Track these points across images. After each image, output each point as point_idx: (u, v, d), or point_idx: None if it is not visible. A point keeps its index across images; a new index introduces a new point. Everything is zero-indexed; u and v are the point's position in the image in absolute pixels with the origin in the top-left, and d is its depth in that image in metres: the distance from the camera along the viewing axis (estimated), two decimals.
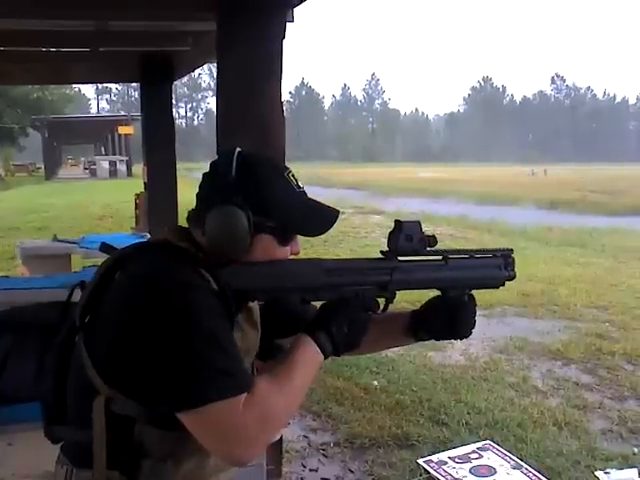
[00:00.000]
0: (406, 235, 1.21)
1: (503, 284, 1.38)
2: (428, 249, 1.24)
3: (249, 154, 1.13)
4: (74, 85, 39.50)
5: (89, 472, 1.05)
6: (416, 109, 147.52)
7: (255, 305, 1.23)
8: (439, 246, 1.26)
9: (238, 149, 1.13)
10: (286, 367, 1.08)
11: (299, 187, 1.16)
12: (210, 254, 1.09)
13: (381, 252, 1.25)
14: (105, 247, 1.26)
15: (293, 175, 1.16)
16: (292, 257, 1.19)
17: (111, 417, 1.02)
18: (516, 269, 1.38)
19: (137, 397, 1.01)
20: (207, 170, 1.16)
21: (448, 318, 1.31)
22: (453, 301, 1.31)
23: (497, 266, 1.35)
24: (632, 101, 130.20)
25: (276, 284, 1.12)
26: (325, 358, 1.12)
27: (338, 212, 1.18)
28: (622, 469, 3.14)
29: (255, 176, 1.11)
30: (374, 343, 1.35)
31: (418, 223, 1.23)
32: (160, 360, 0.97)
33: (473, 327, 1.34)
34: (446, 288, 1.32)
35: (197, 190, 1.16)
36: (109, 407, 1.02)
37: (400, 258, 1.23)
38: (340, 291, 1.17)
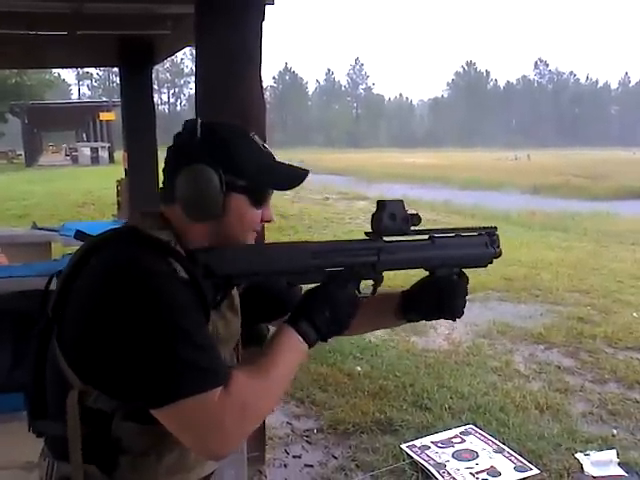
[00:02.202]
0: (389, 214, 1.19)
1: (491, 262, 1.37)
2: (413, 228, 1.22)
3: (212, 121, 1.12)
4: (54, 70, 38.93)
5: (69, 466, 1.03)
6: (400, 94, 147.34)
7: (235, 291, 1.20)
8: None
9: (201, 120, 1.12)
10: (266, 359, 1.04)
11: (265, 147, 1.15)
12: (186, 231, 1.07)
13: (365, 233, 1.23)
14: (80, 235, 1.23)
15: (258, 137, 1.15)
16: (282, 242, 1.18)
17: (86, 411, 0.99)
18: (503, 248, 1.37)
19: (109, 391, 0.98)
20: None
21: (438, 298, 1.30)
22: (442, 281, 1.30)
23: (483, 244, 1.34)
24: (614, 86, 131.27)
25: (261, 268, 1.09)
26: (311, 346, 1.09)
27: (307, 171, 1.16)
28: (602, 451, 3.18)
29: (221, 137, 1.10)
30: (365, 324, 1.36)
31: (401, 202, 1.21)
32: (127, 354, 0.94)
33: (464, 306, 1.32)
34: (434, 267, 1.30)
35: (164, 166, 1.13)
36: (83, 401, 0.99)
37: (386, 238, 1.21)
38: (327, 273, 1.14)
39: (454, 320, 1.33)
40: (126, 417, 1.00)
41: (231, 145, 1.09)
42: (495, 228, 1.37)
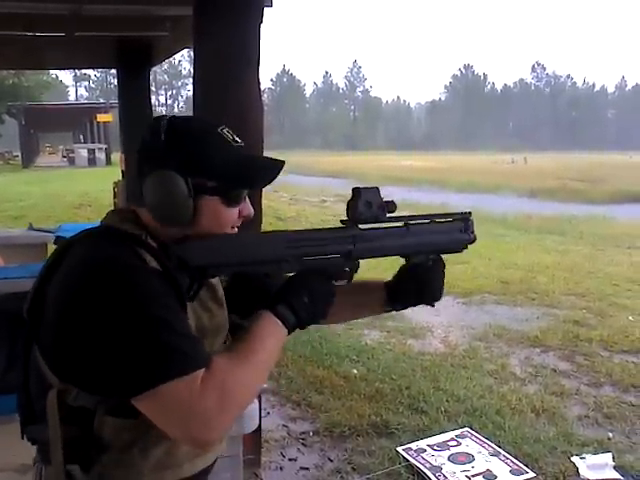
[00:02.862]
0: (365, 202, 1.18)
1: (465, 247, 1.37)
2: (388, 215, 1.22)
3: (177, 117, 1.09)
4: (51, 71, 38.88)
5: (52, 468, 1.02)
6: (398, 97, 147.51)
7: (217, 282, 1.19)
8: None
9: (167, 115, 1.09)
10: (246, 343, 1.03)
11: (236, 142, 1.11)
12: (158, 230, 1.06)
13: (341, 221, 1.22)
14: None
15: (228, 130, 1.11)
16: (257, 232, 1.16)
17: (67, 410, 0.99)
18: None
19: (88, 387, 0.97)
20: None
21: (416, 285, 1.31)
22: (419, 267, 1.31)
23: (458, 229, 1.35)
24: (611, 89, 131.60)
25: (234, 259, 1.07)
26: (290, 332, 1.09)
27: (282, 162, 1.12)
28: (597, 454, 3.18)
29: (186, 136, 1.06)
30: (349, 313, 1.39)
31: (376, 189, 1.20)
32: (103, 348, 0.93)
33: (441, 291, 1.34)
34: (409, 254, 1.31)
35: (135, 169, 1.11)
36: (63, 400, 0.99)
37: (361, 226, 1.21)
38: (303, 262, 1.13)
39: (432, 305, 1.34)
40: (108, 412, 0.99)
41: (198, 145, 1.05)
42: (469, 213, 1.37)
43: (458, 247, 1.36)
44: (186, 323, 1.01)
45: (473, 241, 1.37)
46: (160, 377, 0.91)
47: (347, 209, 1.20)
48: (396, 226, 1.26)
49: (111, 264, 0.97)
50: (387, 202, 1.20)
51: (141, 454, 1.04)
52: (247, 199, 1.14)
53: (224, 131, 1.10)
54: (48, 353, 1.00)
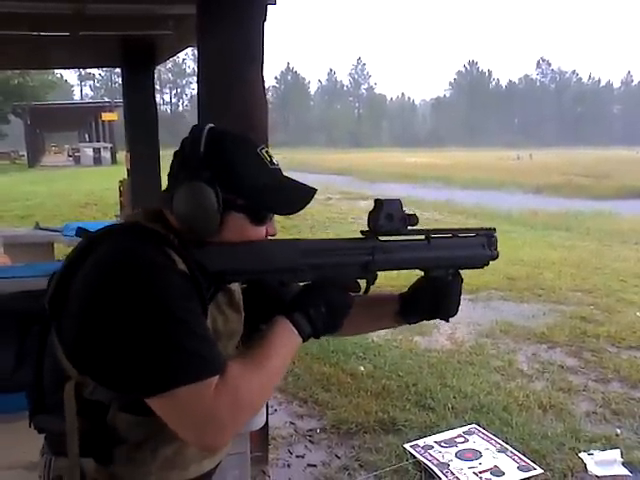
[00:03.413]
0: (386, 214, 1.18)
1: (487, 264, 1.36)
2: (410, 228, 1.21)
3: (220, 130, 1.09)
4: (56, 71, 39.03)
5: (65, 460, 1.03)
6: (402, 94, 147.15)
7: (236, 287, 1.20)
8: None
9: (210, 125, 1.09)
10: (261, 349, 1.04)
11: (273, 164, 1.11)
12: (183, 235, 1.06)
13: (361, 232, 1.22)
14: (82, 231, 1.23)
15: (267, 151, 1.12)
16: (271, 238, 1.15)
17: (83, 403, 1.00)
18: (501, 252, 1.37)
19: (106, 382, 0.98)
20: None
21: (433, 298, 1.30)
22: (437, 281, 1.29)
23: (480, 245, 1.33)
24: (617, 85, 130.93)
25: (252, 266, 1.09)
26: (304, 340, 1.09)
27: (314, 190, 1.13)
28: (605, 450, 3.17)
29: (225, 151, 1.07)
30: (363, 325, 1.37)
31: (399, 201, 1.20)
32: (125, 345, 0.94)
33: (458, 307, 1.32)
34: (429, 268, 1.29)
35: (169, 170, 1.12)
36: (80, 392, 0.99)
37: (381, 238, 1.20)
38: (320, 272, 1.13)
39: (447, 320, 1.33)
40: (122, 408, 1.00)
41: (235, 162, 1.07)
42: (494, 229, 1.36)
43: (479, 263, 1.34)
44: (206, 327, 1.02)
45: (495, 257, 1.35)
46: (176, 380, 0.92)
47: (368, 220, 1.20)
48: (417, 239, 1.25)
49: (138, 261, 0.98)
50: (409, 215, 1.20)
51: (151, 452, 1.04)
52: (274, 218, 1.15)
53: (262, 151, 1.11)
54: (69, 345, 1.00)
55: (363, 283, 1.22)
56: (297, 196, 1.12)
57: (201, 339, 0.97)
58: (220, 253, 1.05)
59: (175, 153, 1.11)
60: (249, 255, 1.08)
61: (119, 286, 0.95)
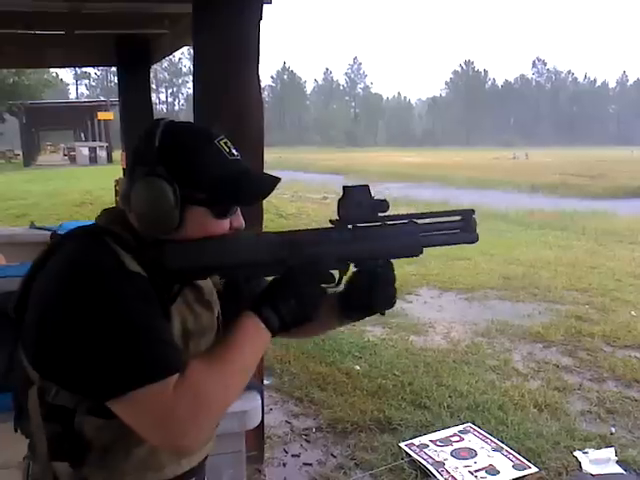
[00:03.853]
0: (356, 201, 1.15)
1: (421, 252, 1.26)
2: (380, 214, 1.17)
3: (176, 123, 1.07)
4: (52, 70, 38.82)
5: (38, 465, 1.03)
6: (399, 93, 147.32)
7: (206, 284, 1.18)
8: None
9: (167, 119, 1.07)
10: (225, 345, 1.02)
11: (232, 154, 1.08)
12: (143, 233, 1.04)
13: (330, 221, 1.19)
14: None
15: (226, 142, 1.09)
16: (234, 232, 1.11)
17: (48, 408, 0.99)
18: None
19: (67, 386, 0.97)
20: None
21: (365, 293, 1.23)
22: (365, 274, 1.22)
23: (413, 232, 1.24)
24: (612, 85, 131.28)
25: (214, 262, 1.05)
26: (274, 335, 1.07)
27: (278, 179, 1.09)
28: (600, 449, 3.18)
29: (180, 144, 1.04)
30: (310, 328, 1.25)
31: (366, 187, 1.17)
32: (79, 349, 0.93)
33: (393, 298, 1.25)
34: (353, 261, 1.21)
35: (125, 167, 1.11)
36: (43, 397, 0.99)
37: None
38: (288, 265, 1.10)
39: (383, 314, 1.26)
40: (88, 412, 0.99)
41: (190, 155, 1.04)
42: (473, 211, 1.29)
43: (412, 251, 1.24)
44: (164, 328, 1.00)
45: (475, 241, 1.28)
46: (131, 382, 0.91)
47: (337, 208, 1.16)
48: (374, 225, 1.19)
49: (92, 267, 0.97)
50: (380, 200, 1.16)
51: (124, 454, 1.03)
52: (239, 210, 1.12)
53: (221, 142, 1.08)
54: (30, 349, 1.00)
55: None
56: (258, 186, 1.09)
57: (156, 341, 0.95)
58: (177, 251, 1.02)
59: (132, 151, 1.08)
60: (209, 252, 1.05)
61: (73, 293, 0.95)
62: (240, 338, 1.03)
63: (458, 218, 1.29)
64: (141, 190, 1.02)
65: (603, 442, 3.27)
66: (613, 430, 3.44)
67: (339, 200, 1.16)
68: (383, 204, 1.17)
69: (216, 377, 0.97)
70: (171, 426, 0.92)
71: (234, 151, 1.09)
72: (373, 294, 1.23)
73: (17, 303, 1.04)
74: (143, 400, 0.92)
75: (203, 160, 1.04)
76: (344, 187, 1.16)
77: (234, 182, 1.05)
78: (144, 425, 0.94)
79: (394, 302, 1.26)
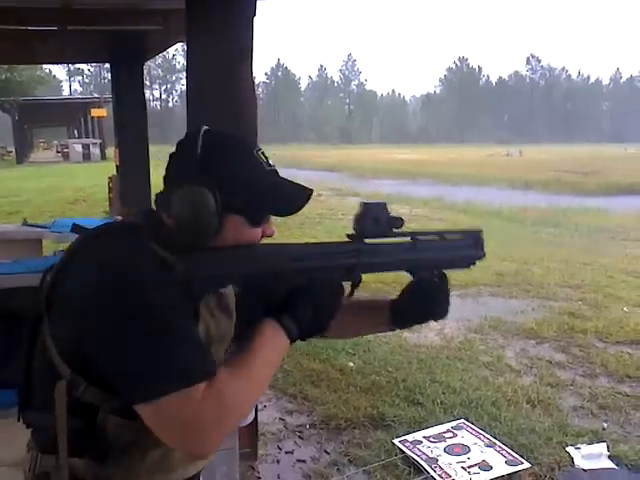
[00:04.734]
0: (373, 217, 1.19)
1: (474, 263, 1.38)
2: (395, 230, 1.22)
3: (216, 132, 1.10)
4: (45, 66, 38.68)
5: (53, 457, 1.03)
6: (393, 90, 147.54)
7: (228, 291, 1.20)
8: (416, 227, 1.25)
9: (205, 127, 1.09)
10: (248, 353, 1.04)
11: (269, 165, 1.12)
12: (178, 238, 1.06)
13: (347, 235, 1.23)
14: (76, 228, 1.22)
15: (263, 153, 1.13)
16: (263, 242, 1.15)
17: (73, 403, 1.00)
18: (490, 248, 1.39)
19: (97, 384, 0.98)
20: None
21: (422, 302, 1.30)
22: (424, 283, 1.30)
23: (467, 246, 1.35)
24: (606, 82, 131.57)
25: (237, 271, 1.09)
26: (292, 342, 1.10)
27: (311, 191, 1.13)
28: (592, 444, 3.20)
29: (221, 154, 1.07)
30: (351, 329, 1.38)
31: (384, 204, 1.21)
32: (113, 350, 0.94)
33: (447, 307, 1.33)
34: (414, 270, 1.30)
35: (165, 173, 1.12)
36: (71, 392, 1.00)
37: (367, 241, 1.21)
38: (306, 276, 1.14)
39: (436, 321, 1.34)
40: (112, 411, 1.00)
41: (233, 164, 1.07)
42: (480, 231, 1.37)
43: (465, 263, 1.36)
44: (197, 333, 1.02)
45: (481, 257, 1.37)
46: (162, 389, 0.92)
47: (354, 223, 1.21)
48: (402, 241, 1.26)
49: (130, 267, 0.98)
50: (395, 217, 1.21)
51: (140, 455, 1.05)
52: (270, 219, 1.15)
53: (259, 153, 1.11)
54: (63, 343, 1.01)
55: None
56: (294, 197, 1.13)
57: (189, 345, 0.97)
58: (203, 259, 1.05)
59: (170, 155, 1.11)
60: (233, 261, 1.08)
61: (112, 290, 0.95)
62: (261, 346, 1.05)
63: (460, 236, 1.37)
64: (184, 198, 1.04)
65: (595, 437, 3.29)
66: (605, 425, 3.46)
67: (356, 215, 1.21)
68: (398, 221, 1.22)
69: (239, 385, 0.99)
70: (194, 431, 0.94)
71: (270, 162, 1.13)
72: (428, 303, 1.31)
73: (48, 294, 1.04)
74: (171, 407, 0.93)
75: (243, 170, 1.08)
76: (361, 203, 1.21)
77: (272, 193, 1.10)
78: (167, 431, 0.95)
79: (447, 312, 1.34)
